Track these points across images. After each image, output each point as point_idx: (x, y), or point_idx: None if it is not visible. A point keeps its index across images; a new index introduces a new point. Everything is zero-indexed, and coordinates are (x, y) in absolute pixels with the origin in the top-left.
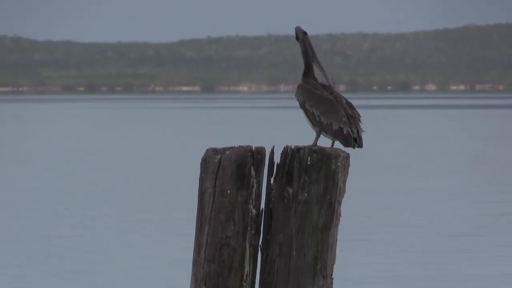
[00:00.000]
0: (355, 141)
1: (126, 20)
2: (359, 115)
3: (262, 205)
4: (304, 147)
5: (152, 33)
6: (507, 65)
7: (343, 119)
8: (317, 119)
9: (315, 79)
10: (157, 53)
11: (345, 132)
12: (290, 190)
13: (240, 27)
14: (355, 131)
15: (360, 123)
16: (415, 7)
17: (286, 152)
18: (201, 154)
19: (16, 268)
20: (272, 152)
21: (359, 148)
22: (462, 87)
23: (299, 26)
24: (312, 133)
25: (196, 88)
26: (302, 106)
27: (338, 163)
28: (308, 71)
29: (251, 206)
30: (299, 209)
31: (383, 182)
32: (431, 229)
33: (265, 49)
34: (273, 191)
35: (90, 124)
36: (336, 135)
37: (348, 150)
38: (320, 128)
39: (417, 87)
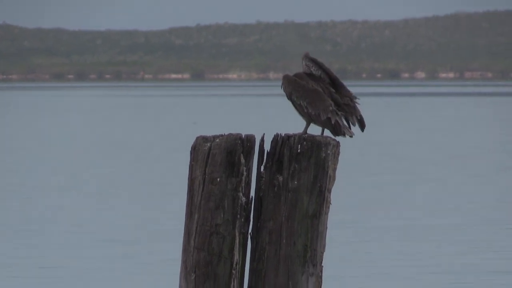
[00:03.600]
0: (360, 123)
1: (116, 8)
2: (351, 99)
3: (252, 193)
4: (294, 135)
5: (141, 20)
6: (496, 53)
7: (330, 108)
8: (305, 110)
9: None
10: (147, 40)
11: (333, 122)
12: (280, 178)
13: (230, 15)
14: (354, 119)
15: (357, 104)
16: None
17: (276, 140)
18: (191, 142)
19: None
20: (262, 140)
21: (363, 130)
22: (451, 75)
23: (307, 53)
24: (303, 121)
25: (186, 75)
26: (289, 97)
27: (328, 151)
28: None
29: (241, 194)
30: (289, 197)
31: (370, 169)
32: (425, 219)
33: (255, 36)
34: (263, 179)
35: (79, 111)
36: (325, 125)
37: (339, 138)
38: (309, 118)
39: (406, 75)
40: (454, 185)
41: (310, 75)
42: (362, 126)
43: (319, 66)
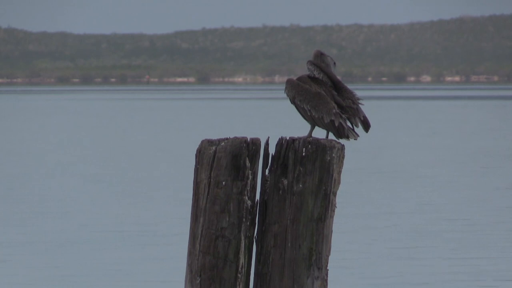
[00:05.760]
0: (364, 124)
1: (121, 11)
2: (353, 101)
3: (257, 197)
4: (299, 138)
5: (147, 24)
6: (502, 57)
7: (333, 111)
8: (308, 113)
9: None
10: (152, 44)
11: (337, 125)
12: (285, 181)
13: (235, 18)
14: (357, 120)
15: (361, 105)
16: None
17: (281, 143)
18: (196, 145)
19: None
20: (267, 143)
21: (367, 131)
22: (457, 78)
23: (319, 50)
24: (307, 125)
25: (191, 79)
26: (292, 101)
27: (333, 154)
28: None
29: (246, 198)
30: (294, 200)
31: (377, 173)
32: (430, 218)
33: (260, 40)
34: (268, 182)
35: (85, 115)
36: (329, 128)
37: (343, 141)
38: (313, 121)
39: (412, 78)
40: (460, 188)
41: (313, 78)
42: (367, 126)
43: (321, 69)
